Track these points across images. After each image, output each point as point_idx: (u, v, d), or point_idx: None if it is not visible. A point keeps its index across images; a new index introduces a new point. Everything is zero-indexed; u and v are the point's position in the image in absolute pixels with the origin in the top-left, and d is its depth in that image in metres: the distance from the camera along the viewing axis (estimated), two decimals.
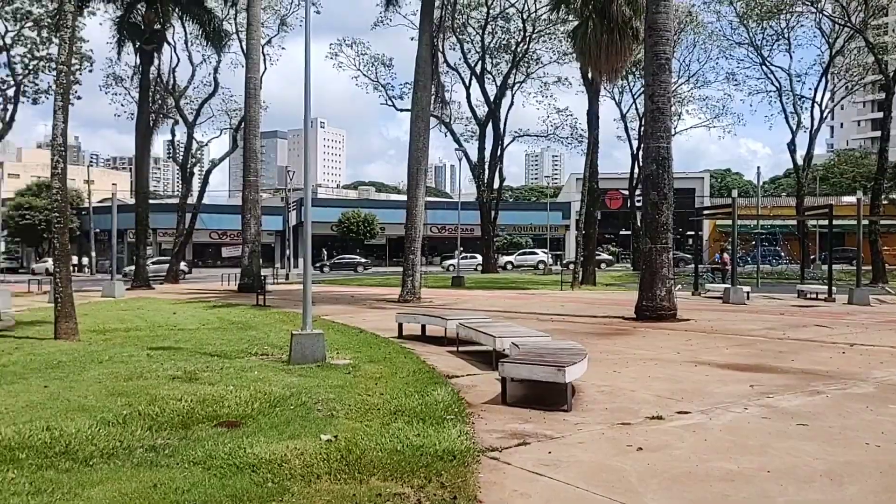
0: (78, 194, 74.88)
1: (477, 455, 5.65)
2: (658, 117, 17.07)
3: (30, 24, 36.86)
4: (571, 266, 35.01)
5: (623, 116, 52.61)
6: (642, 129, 31.29)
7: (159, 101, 38.71)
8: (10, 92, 37.51)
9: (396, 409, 7.15)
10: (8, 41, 36.93)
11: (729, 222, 26.87)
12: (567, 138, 52.61)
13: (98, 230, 66.56)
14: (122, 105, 36.80)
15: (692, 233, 46.47)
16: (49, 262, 66.10)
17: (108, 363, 9.97)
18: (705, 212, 41.94)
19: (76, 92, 40.56)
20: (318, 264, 62.12)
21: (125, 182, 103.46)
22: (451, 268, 48.68)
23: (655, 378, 9.11)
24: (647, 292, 16.76)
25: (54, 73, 38.51)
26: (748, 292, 22.77)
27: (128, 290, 30.90)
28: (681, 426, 6.68)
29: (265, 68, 41.48)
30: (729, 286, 22.72)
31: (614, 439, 6.24)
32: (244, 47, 31.20)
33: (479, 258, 54.78)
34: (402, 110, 49.30)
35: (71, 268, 13.04)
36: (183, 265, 46.34)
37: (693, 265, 33.37)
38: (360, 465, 5.32)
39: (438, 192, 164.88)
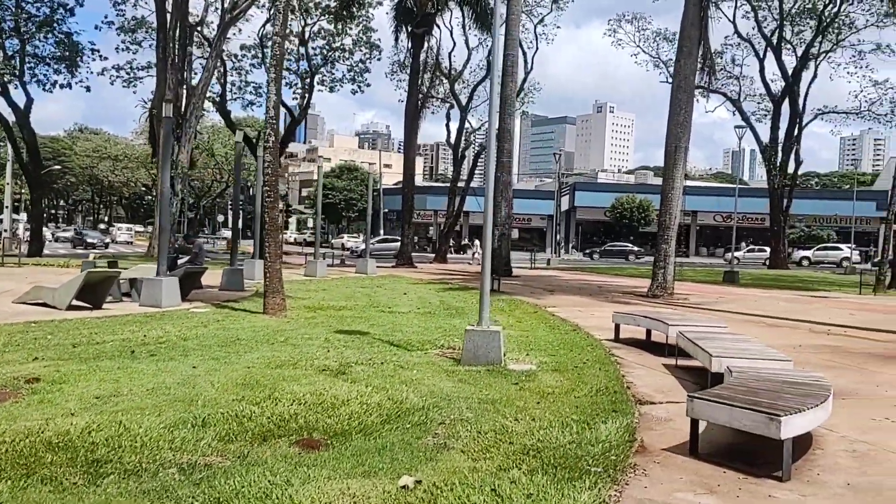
0: (373, 177, 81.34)
1: None
2: None
3: (327, 16, 39.99)
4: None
5: None
6: None
7: (428, 85, 39.58)
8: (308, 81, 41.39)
9: (535, 445, 5.37)
10: (307, 34, 40.50)
11: None
12: (886, 115, 44.78)
13: (387, 210, 72.11)
14: (404, 91, 38.08)
15: None
16: (345, 238, 72.75)
17: (279, 345, 9.40)
18: None
19: (366, 80, 43.49)
20: (587, 251, 60.44)
21: (419, 167, 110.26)
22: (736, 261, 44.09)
23: None
24: None
25: (348, 63, 42.24)
26: None
27: (392, 267, 32.03)
28: None
29: (537, 48, 40.61)
30: None
31: None
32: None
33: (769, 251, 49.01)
34: None
35: (284, 244, 12.87)
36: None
37: None
38: None
39: (734, 179, 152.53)
